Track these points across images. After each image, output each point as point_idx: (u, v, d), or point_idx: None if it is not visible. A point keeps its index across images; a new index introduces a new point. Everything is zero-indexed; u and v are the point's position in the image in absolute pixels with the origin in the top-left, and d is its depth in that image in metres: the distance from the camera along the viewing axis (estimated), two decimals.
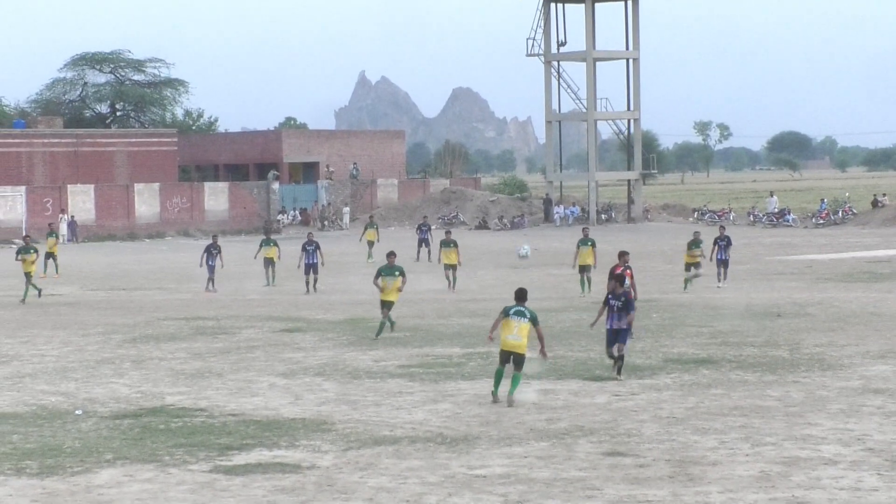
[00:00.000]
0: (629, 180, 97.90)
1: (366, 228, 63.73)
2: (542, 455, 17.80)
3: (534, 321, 21.89)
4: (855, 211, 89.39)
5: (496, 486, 16.10)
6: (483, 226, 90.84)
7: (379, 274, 31.01)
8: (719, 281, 43.20)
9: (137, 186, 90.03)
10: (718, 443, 18.40)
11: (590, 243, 41.92)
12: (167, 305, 40.46)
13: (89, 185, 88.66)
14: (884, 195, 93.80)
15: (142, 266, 60.80)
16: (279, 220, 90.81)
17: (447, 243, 45.63)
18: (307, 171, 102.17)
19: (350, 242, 75.82)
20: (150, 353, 29.01)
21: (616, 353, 24.46)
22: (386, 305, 30.81)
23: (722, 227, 46.43)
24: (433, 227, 67.53)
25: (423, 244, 59.92)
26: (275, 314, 37.03)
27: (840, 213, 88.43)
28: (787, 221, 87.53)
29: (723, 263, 43.44)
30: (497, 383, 21.84)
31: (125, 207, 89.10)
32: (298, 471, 17.06)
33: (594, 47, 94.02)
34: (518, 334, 21.76)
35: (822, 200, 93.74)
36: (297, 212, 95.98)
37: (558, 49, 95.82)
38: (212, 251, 46.01)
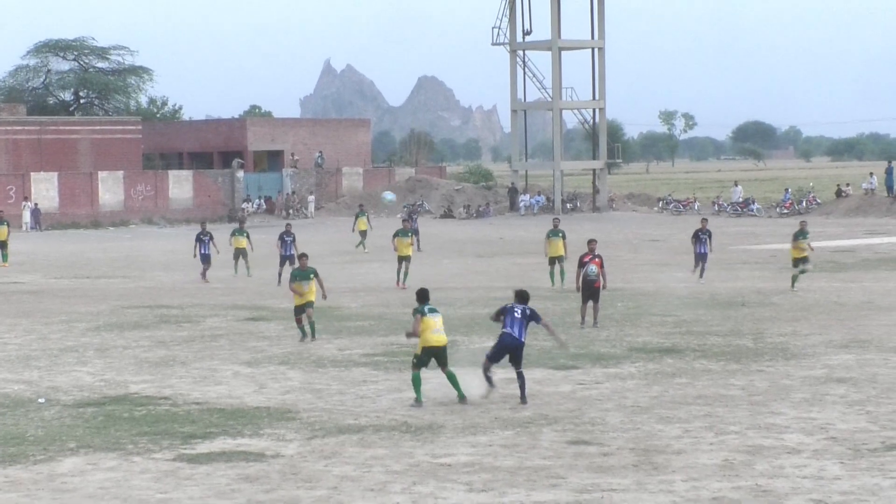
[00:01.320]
0: (594, 170, 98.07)
1: (357, 217, 61.76)
2: (507, 444, 17.83)
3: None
4: (819, 201, 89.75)
5: (461, 474, 16.12)
6: (448, 214, 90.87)
7: (294, 278, 28.73)
8: (696, 275, 41.28)
9: (101, 174, 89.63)
10: (682, 431, 18.46)
11: (560, 234, 41.01)
12: (131, 294, 40.32)
13: (53, 173, 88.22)
14: (847, 185, 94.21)
15: (106, 254, 60.56)
16: (244, 209, 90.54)
17: (405, 232, 43.51)
18: (272, 160, 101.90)
19: (314, 231, 75.66)
20: (113, 341, 28.90)
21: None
22: (303, 309, 28.49)
23: (704, 220, 44.21)
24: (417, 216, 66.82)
25: (413, 233, 58.83)
26: (239, 303, 36.94)
27: (804, 203, 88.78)
28: (752, 211, 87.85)
29: (702, 258, 41.40)
30: (419, 387, 20.94)
31: (89, 195, 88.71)
32: (262, 459, 17.04)
33: (560, 36, 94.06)
34: (440, 328, 21.01)
35: (787, 190, 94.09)
36: (261, 200, 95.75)
37: (524, 38, 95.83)
38: (202, 239, 44.91)
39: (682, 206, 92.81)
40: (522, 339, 21.16)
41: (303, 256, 29.44)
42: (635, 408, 20.34)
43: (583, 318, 30.35)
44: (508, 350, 21.06)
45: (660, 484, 15.48)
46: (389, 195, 23.61)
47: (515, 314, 21.07)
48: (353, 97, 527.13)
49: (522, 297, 21.55)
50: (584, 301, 30.34)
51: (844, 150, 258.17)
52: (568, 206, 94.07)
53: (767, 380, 22.74)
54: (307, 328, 28.58)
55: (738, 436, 18.14)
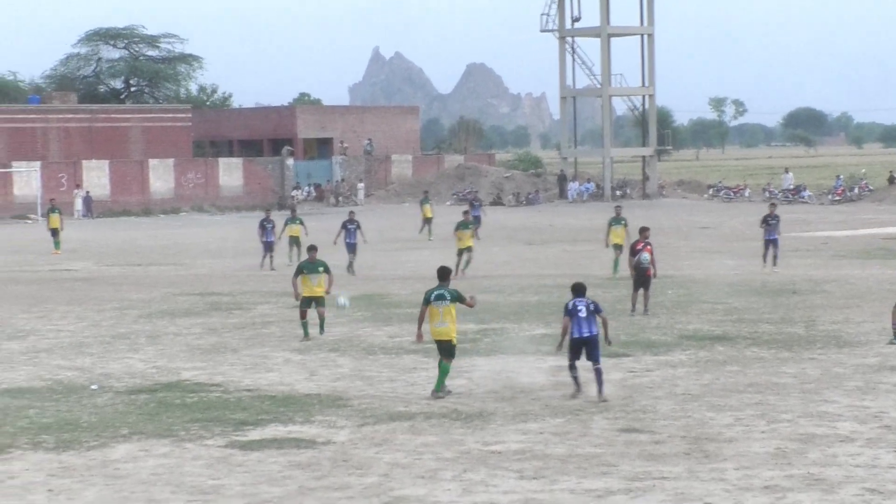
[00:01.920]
0: (644, 156, 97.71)
1: (422, 204, 60.88)
2: (558, 431, 17.81)
3: (455, 300, 20.39)
4: (871, 187, 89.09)
5: (511, 461, 16.12)
6: (498, 202, 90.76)
7: (300, 271, 27.29)
8: (768, 264, 39.66)
9: (152, 162, 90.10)
10: (734, 420, 18.39)
11: (622, 222, 40.00)
12: (182, 281, 40.51)
13: (104, 161, 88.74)
14: None
15: (156, 241, 60.89)
16: (293, 196, 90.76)
17: (465, 225, 42.58)
18: (321, 147, 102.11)
19: (363, 218, 75.71)
20: (165, 328, 29.06)
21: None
22: (310, 302, 27.10)
23: (773, 205, 42.25)
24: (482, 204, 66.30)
25: (476, 221, 58.15)
26: (290, 290, 36.95)
27: (856, 190, 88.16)
28: (803, 198, 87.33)
29: (773, 244, 39.90)
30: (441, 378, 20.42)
31: (140, 183, 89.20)
32: (314, 446, 17.09)
33: (609, 23, 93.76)
34: (443, 320, 20.32)
35: (838, 177, 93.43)
36: (311, 188, 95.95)
37: (573, 24, 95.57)
38: (266, 226, 44.60)
39: (733, 193, 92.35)
40: (594, 332, 20.17)
41: (312, 249, 27.69)
42: (686, 395, 20.27)
43: (633, 305, 30.28)
44: (582, 345, 20.18)
45: (711, 472, 15.43)
46: (342, 300, 22.40)
47: (580, 314, 20.16)
48: (401, 84, 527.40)
49: (579, 290, 20.46)
50: (636, 288, 30.28)
51: None
52: (617, 193, 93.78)
53: (820, 368, 22.61)
54: (312, 325, 26.88)
55: (791, 424, 18.05)
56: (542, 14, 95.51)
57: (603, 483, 15.02)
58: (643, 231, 31.34)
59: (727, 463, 15.87)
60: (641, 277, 30.25)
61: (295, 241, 45.57)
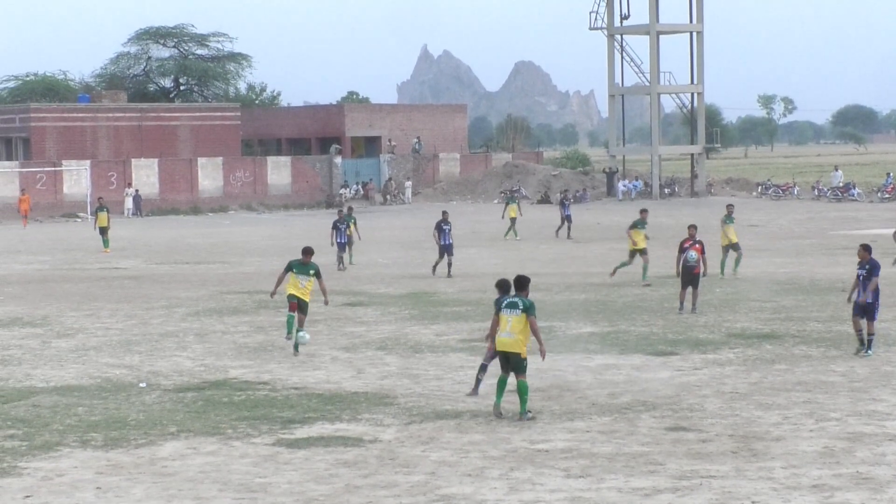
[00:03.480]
0: (692, 154, 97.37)
1: (507, 204, 59.84)
2: (605, 430, 17.77)
3: (528, 311, 18.63)
4: None
5: (558, 460, 16.09)
6: (545, 200, 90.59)
7: (290, 268, 25.51)
8: None
9: (201, 160, 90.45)
10: (782, 418, 18.29)
11: (733, 221, 39.23)
12: (230, 279, 40.66)
13: (153, 160, 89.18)
14: None
15: (205, 240, 61.14)
16: (342, 194, 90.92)
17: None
18: (369, 145, 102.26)
19: (411, 217, 75.83)
20: (213, 326, 29.17)
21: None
22: (295, 306, 25.27)
23: None
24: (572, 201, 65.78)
25: (567, 220, 57.67)
26: (336, 288, 37.07)
27: None
28: (852, 196, 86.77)
29: None
30: (499, 393, 18.83)
31: (188, 181, 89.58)
32: (360, 444, 17.12)
33: (657, 20, 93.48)
34: (511, 331, 18.69)
35: (888, 174, 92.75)
36: (359, 186, 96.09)
37: (621, 22, 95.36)
38: (339, 227, 43.78)
39: (782, 190, 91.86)
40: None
41: (308, 251, 25.58)
42: (734, 394, 20.18)
43: (681, 303, 30.17)
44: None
45: (759, 471, 15.35)
46: (305, 337, 21.89)
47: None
48: (449, 83, 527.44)
49: (519, 284, 19.13)
50: (684, 286, 30.16)
51: None
52: (666, 191, 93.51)
53: (868, 366, 22.46)
54: (294, 329, 25.19)
55: (839, 423, 17.94)
56: (590, 12, 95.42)
57: (650, 482, 14.97)
58: (691, 228, 31.25)
59: (775, 462, 15.79)
60: (690, 275, 30.14)
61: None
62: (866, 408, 18.95)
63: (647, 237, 37.91)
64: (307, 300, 25.33)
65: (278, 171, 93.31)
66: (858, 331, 23.73)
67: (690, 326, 27.76)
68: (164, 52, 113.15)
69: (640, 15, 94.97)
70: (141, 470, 15.94)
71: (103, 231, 54.32)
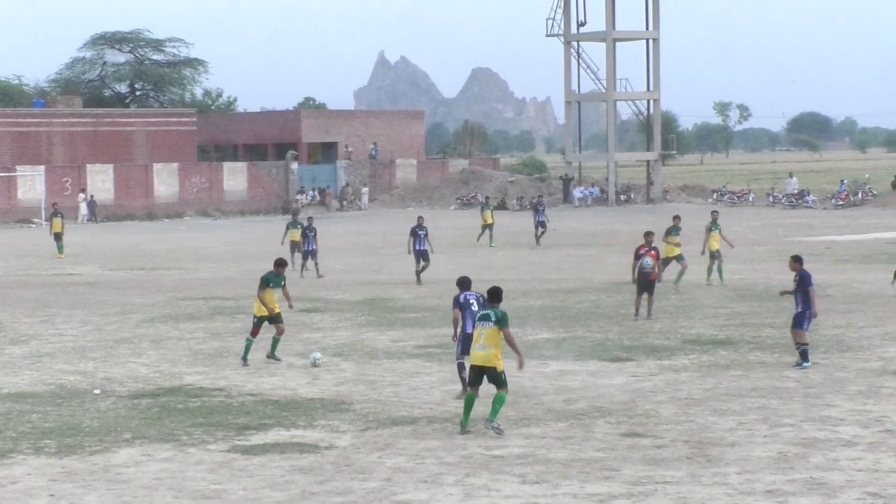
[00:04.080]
0: (648, 161, 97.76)
1: (482, 210, 59.43)
2: (560, 436, 17.81)
3: (500, 323, 17.95)
4: (875, 192, 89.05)
5: (514, 466, 16.12)
6: (502, 206, 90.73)
7: (267, 283, 24.79)
8: None
9: (156, 166, 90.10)
10: (736, 424, 18.38)
11: (719, 228, 39.09)
12: (186, 285, 40.52)
13: (108, 165, 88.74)
14: None
15: (160, 246, 60.91)
16: (297, 200, 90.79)
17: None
18: (326, 152, 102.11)
19: (368, 223, 75.79)
20: (168, 332, 29.06)
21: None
22: (269, 320, 24.71)
23: None
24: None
25: (541, 226, 57.18)
26: (293, 294, 36.93)
27: (860, 195, 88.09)
28: (807, 203, 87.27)
29: None
30: (467, 412, 18.15)
31: (144, 187, 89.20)
32: (316, 451, 17.09)
33: (614, 28, 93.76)
34: (484, 344, 17.99)
35: (842, 182, 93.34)
36: (315, 192, 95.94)
37: (578, 29, 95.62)
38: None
39: (737, 197, 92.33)
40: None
41: (282, 264, 25.19)
42: (689, 400, 20.27)
43: (637, 309, 30.26)
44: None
45: (713, 476, 15.42)
46: (316, 357, 21.80)
47: (472, 307, 20.21)
48: (406, 89, 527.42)
49: (465, 284, 20.78)
50: (640, 293, 30.27)
51: None
52: (622, 197, 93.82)
53: (822, 372, 22.60)
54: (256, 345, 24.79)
55: (793, 428, 18.05)
56: (547, 19, 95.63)
57: (605, 488, 15.02)
58: (647, 235, 31.35)
59: (729, 467, 15.86)
60: (645, 282, 30.24)
61: (297, 246, 45.50)
62: (820, 413, 19.07)
63: (678, 244, 37.72)
64: (279, 311, 24.86)
65: (234, 177, 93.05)
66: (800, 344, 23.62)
67: (646, 333, 27.86)
68: (120, 58, 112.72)
69: (596, 22, 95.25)
70: (95, 477, 15.86)
71: (58, 237, 54.07)
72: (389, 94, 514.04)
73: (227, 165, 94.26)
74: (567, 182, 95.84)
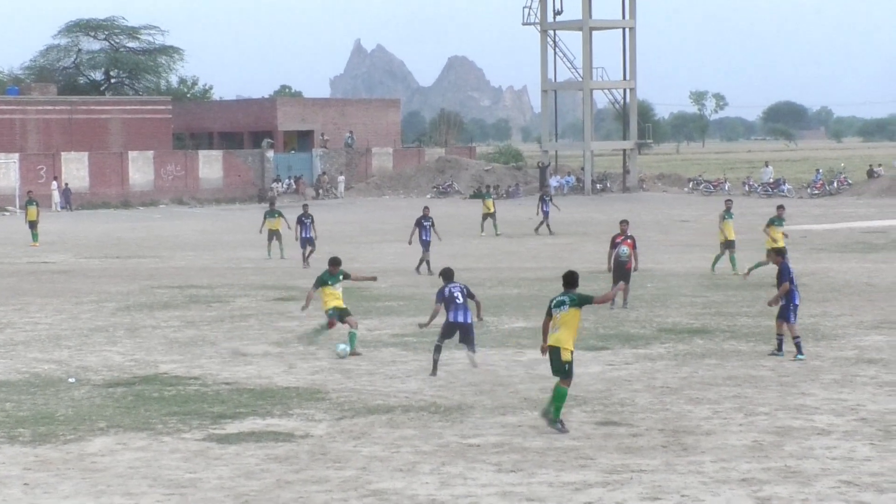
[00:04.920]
0: (624, 150, 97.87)
1: (483, 199, 59.22)
2: (536, 424, 17.81)
3: (577, 304, 17.53)
4: (850, 181, 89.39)
5: (490, 454, 16.12)
6: (478, 195, 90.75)
7: (323, 282, 24.62)
8: None
9: (131, 154, 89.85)
10: (712, 412, 18.42)
11: (732, 217, 38.90)
12: (161, 274, 40.43)
13: (83, 153, 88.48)
14: (879, 165, 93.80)
15: (135, 234, 60.75)
16: (273, 189, 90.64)
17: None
18: (302, 140, 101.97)
19: (344, 212, 75.72)
20: (143, 321, 28.99)
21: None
22: (335, 323, 24.64)
23: None
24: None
25: (545, 216, 57.18)
26: (269, 283, 37.01)
27: (835, 184, 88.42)
28: (782, 191, 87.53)
29: None
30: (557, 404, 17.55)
31: (119, 175, 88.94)
32: (292, 439, 17.07)
33: (590, 16, 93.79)
34: (558, 325, 17.61)
35: (818, 171, 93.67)
36: (291, 180, 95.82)
37: (554, 18, 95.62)
38: (304, 221, 42.64)
39: (713, 186, 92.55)
40: (468, 320, 21.55)
41: (336, 262, 24.85)
42: (665, 389, 20.31)
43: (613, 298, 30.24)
44: (457, 329, 21.61)
45: (689, 465, 15.46)
46: (340, 348, 21.51)
47: (457, 300, 21.51)
48: (383, 77, 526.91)
49: (449, 275, 21.97)
50: (616, 282, 30.28)
51: (876, 130, 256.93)
52: (598, 186, 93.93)
53: (797, 361, 22.65)
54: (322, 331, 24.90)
55: (768, 417, 18.10)
56: (524, 7, 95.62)
57: (580, 476, 15.04)
58: (623, 224, 31.41)
59: (704, 456, 15.90)
60: (621, 271, 30.29)
61: (275, 234, 45.39)
62: (795, 402, 19.12)
63: (785, 234, 37.26)
64: (345, 305, 24.63)
65: (210, 165, 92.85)
66: (778, 334, 23.67)
67: (622, 321, 27.91)
68: (95, 45, 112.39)
69: (572, 10, 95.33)
70: (69, 466, 15.81)
71: (32, 225, 53.95)
72: (365, 83, 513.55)
73: (202, 153, 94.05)
74: (543, 170, 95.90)
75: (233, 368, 22.64)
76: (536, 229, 57.12)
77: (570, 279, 17.80)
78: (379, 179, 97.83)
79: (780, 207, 37.88)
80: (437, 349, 21.74)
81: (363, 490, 14.58)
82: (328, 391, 20.44)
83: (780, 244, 35.56)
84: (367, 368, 22.55)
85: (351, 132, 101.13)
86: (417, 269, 39.32)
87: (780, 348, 23.30)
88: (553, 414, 17.43)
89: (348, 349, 23.82)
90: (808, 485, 14.53)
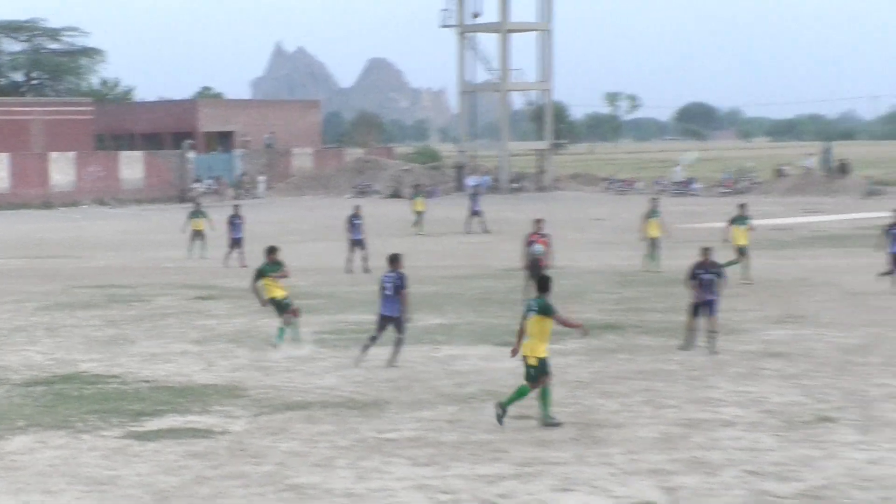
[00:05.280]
0: (540, 150, 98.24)
1: (413, 198, 59.41)
2: (451, 419, 17.89)
3: (542, 312, 17.59)
4: (758, 180, 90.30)
5: (405, 449, 16.18)
6: (396, 195, 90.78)
7: (262, 273, 24.95)
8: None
9: (53, 155, 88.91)
10: (622, 406, 18.59)
11: (658, 215, 39.36)
12: (81, 273, 40.10)
13: (4, 154, 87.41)
14: (787, 165, 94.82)
15: (56, 234, 60.17)
16: (193, 189, 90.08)
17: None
18: (223, 141, 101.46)
19: (265, 211, 75.44)
20: (63, 320, 28.75)
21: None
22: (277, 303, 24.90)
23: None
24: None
25: (476, 214, 57.32)
26: (189, 282, 36.82)
27: (744, 183, 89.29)
28: (692, 190, 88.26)
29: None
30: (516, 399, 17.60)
31: (40, 176, 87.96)
32: (210, 436, 17.03)
33: (508, 19, 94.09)
34: (528, 333, 17.67)
35: (728, 171, 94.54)
36: (212, 181, 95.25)
37: (472, 20, 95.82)
38: (235, 222, 42.23)
39: (626, 185, 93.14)
40: (395, 314, 21.95)
41: (273, 250, 25.39)
42: (577, 383, 20.46)
43: (527, 295, 30.39)
44: (388, 322, 22.11)
45: (599, 457, 15.60)
46: (688, 158, 21.08)
47: (386, 291, 22.24)
48: (304, 79, 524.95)
49: (393, 260, 22.67)
50: (530, 279, 30.42)
51: (784, 130, 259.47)
52: (514, 186, 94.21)
53: (705, 355, 22.90)
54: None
55: (676, 409, 18.29)
56: (442, 10, 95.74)
57: (494, 469, 15.13)
58: (537, 222, 31.56)
59: (614, 448, 16.05)
60: (535, 268, 30.42)
61: (199, 234, 45.17)
62: (702, 395, 19.34)
63: (752, 228, 36.51)
64: (285, 295, 24.81)
65: (131, 166, 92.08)
66: (692, 330, 23.86)
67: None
68: (16, 46, 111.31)
69: (490, 13, 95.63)
70: None
71: None
72: (286, 85, 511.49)
73: (123, 154, 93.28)
74: (460, 170, 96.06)
75: (153, 366, 22.53)
76: (468, 228, 57.19)
77: (541, 284, 17.92)
78: (299, 180, 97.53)
79: (742, 206, 37.69)
80: (372, 339, 22.10)
81: (281, 485, 14.59)
82: (247, 388, 20.39)
83: (741, 242, 35.52)
84: (285, 365, 22.53)
85: (272, 133, 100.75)
86: (346, 268, 39.33)
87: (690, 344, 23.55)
88: (545, 416, 17.34)
89: (280, 341, 24.23)
90: (714, 475, 14.71)
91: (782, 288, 33.15)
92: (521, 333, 17.77)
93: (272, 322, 27.90)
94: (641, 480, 14.50)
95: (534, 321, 17.55)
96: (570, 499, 13.85)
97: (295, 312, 24.83)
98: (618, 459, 15.45)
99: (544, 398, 17.42)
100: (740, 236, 35.60)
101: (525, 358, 17.63)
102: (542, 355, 17.56)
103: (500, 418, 17.33)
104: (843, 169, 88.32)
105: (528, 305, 17.76)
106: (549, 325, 17.65)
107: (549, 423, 17.31)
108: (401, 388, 20.27)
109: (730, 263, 30.12)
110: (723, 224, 39.17)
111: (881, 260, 33.57)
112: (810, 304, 29.96)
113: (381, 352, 23.69)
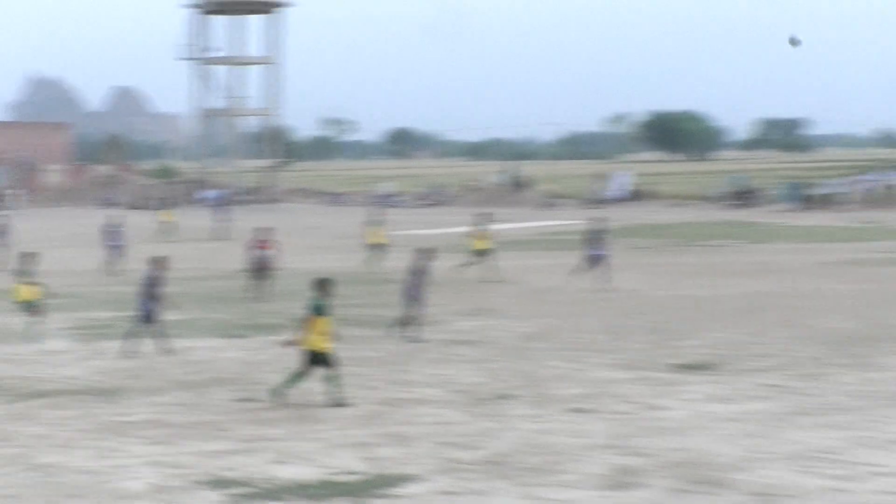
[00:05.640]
0: (268, 168, 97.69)
1: (157, 210, 59.25)
2: (183, 403, 17.59)
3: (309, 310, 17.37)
4: (452, 194, 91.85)
5: (141, 430, 15.82)
6: (137, 206, 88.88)
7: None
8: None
9: None
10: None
11: (379, 223, 40.25)
12: None
13: None
14: (476, 181, 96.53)
15: None
16: None
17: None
18: None
19: (20, 222, 72.71)
20: None
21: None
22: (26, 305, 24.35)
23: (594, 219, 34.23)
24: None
25: (222, 222, 57.27)
26: None
27: (439, 197, 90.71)
28: (396, 203, 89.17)
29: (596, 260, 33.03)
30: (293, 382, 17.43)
31: None
32: None
33: (240, 52, 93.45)
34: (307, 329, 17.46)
35: (427, 186, 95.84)
36: None
37: (208, 53, 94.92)
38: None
39: (340, 198, 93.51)
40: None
41: (30, 255, 24.83)
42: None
43: (252, 294, 30.21)
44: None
45: (312, 433, 15.55)
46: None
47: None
48: (58, 104, 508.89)
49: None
50: (255, 280, 30.23)
51: (479, 151, 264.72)
52: (245, 198, 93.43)
53: (396, 345, 23.09)
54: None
55: (379, 391, 18.38)
56: (181, 43, 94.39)
57: (220, 445, 14.92)
58: (262, 230, 31.36)
59: (326, 425, 16.02)
60: (258, 270, 30.24)
61: None
62: (403, 377, 19.50)
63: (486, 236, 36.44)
64: (37, 298, 24.27)
65: None
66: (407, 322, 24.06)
67: (257, 314, 27.83)
68: None
69: (225, 46, 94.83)
70: None
71: None
72: (38, 109, 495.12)
73: None
74: (193, 185, 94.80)
75: None
76: (216, 237, 56.81)
77: (318, 285, 17.45)
78: (52, 193, 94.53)
79: (482, 215, 37.86)
80: (130, 332, 21.66)
81: (26, 464, 14.06)
82: None
83: (481, 246, 36.31)
84: (34, 358, 21.76)
85: (25, 152, 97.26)
86: (107, 271, 38.34)
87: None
88: (280, 389, 17.33)
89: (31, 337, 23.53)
90: (411, 446, 14.83)
91: (471, 286, 33.74)
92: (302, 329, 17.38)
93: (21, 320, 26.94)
94: (347, 452, 14.52)
95: (311, 319, 17.18)
96: (286, 470, 13.76)
97: (39, 311, 24.00)
98: (329, 435, 15.43)
99: (329, 382, 17.14)
100: (480, 242, 36.56)
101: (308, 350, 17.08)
102: (318, 347, 17.20)
103: (281, 398, 17.21)
104: (523, 183, 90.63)
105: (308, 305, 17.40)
106: (323, 322, 17.33)
107: (278, 397, 17.28)
108: (137, 376, 19.82)
109: (464, 265, 30.94)
110: (432, 231, 39.74)
111: (560, 261, 34.48)
112: (496, 299, 30.57)
113: (117, 344, 23.13)
